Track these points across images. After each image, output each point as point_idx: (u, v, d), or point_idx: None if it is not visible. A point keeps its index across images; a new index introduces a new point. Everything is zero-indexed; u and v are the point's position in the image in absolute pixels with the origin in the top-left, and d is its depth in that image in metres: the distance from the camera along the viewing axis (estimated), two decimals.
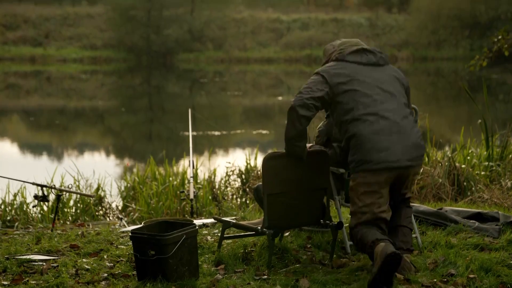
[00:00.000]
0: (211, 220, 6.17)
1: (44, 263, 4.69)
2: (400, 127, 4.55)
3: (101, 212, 8.22)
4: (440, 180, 7.68)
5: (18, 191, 7.99)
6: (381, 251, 4.20)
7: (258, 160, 9.48)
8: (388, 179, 4.52)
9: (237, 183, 9.09)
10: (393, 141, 4.49)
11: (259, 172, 8.97)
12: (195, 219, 6.56)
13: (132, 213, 7.96)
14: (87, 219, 7.75)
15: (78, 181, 8.51)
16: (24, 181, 6.61)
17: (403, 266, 4.50)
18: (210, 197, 8.20)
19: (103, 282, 4.38)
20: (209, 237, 5.48)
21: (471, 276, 4.45)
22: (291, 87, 30.26)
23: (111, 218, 8.07)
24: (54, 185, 6.74)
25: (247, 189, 8.69)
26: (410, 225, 4.83)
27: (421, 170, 7.53)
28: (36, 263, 4.71)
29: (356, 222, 4.50)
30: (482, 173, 8.06)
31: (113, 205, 8.39)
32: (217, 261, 4.77)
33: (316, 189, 4.90)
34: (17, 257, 4.84)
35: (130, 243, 4.70)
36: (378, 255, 4.20)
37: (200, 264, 4.63)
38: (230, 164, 9.24)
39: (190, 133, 7.62)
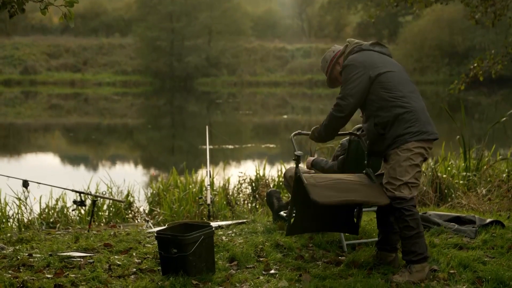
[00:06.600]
0: (226, 223, 6.16)
1: (82, 259, 4.69)
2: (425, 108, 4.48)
3: (130, 215, 8.22)
4: (425, 188, 7.65)
5: (60, 197, 8.00)
6: (428, 274, 4.31)
7: (267, 170, 9.47)
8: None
9: (248, 190, 9.07)
10: (429, 118, 4.43)
11: (267, 181, 8.96)
12: (212, 221, 6.55)
13: (157, 216, 7.95)
14: (118, 221, 7.74)
15: (111, 188, 8.51)
16: (64, 188, 6.63)
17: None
18: (224, 202, 8.18)
19: (132, 276, 4.38)
20: (224, 237, 5.46)
21: (451, 271, 4.43)
22: (294, 107, 30.30)
23: (139, 220, 8.05)
24: (90, 192, 6.77)
25: (257, 196, 8.68)
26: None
27: None
28: (75, 259, 4.71)
29: (411, 195, 4.32)
30: (461, 182, 8.03)
31: (141, 209, 8.37)
32: (231, 258, 4.75)
33: None
34: (58, 253, 4.84)
35: (156, 242, 4.69)
36: (424, 276, 4.28)
37: (216, 260, 4.62)
38: (242, 173, 9.22)
39: (207, 147, 7.63)
